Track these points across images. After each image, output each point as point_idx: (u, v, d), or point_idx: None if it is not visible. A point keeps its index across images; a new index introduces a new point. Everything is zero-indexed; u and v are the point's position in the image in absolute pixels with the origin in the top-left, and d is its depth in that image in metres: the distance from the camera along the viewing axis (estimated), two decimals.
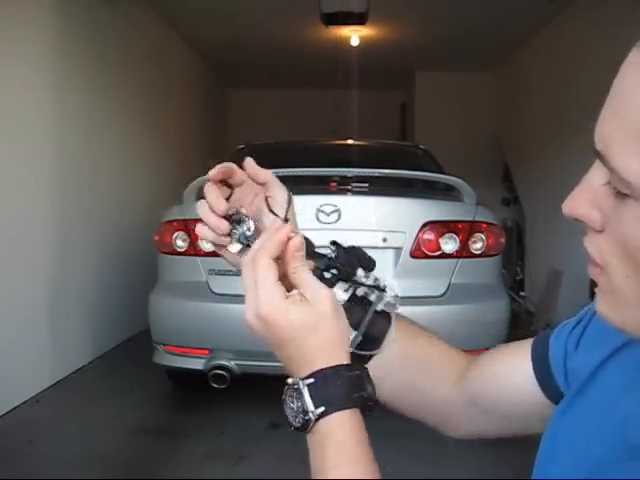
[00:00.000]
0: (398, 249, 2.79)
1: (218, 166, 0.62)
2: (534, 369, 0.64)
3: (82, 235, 3.89)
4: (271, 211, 0.61)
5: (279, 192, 0.63)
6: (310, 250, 0.61)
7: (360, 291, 0.61)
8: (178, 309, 2.85)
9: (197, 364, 2.78)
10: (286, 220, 0.60)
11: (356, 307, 0.61)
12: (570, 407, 0.56)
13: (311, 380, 0.52)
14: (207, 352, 2.78)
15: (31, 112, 3.29)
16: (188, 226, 2.85)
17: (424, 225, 2.80)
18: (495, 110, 7.45)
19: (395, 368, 0.68)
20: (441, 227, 2.83)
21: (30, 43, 3.25)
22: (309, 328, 0.53)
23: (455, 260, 2.83)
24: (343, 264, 0.60)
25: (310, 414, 0.51)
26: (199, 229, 0.62)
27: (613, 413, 0.50)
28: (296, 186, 3.20)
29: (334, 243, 0.62)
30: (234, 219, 0.60)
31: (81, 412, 3.13)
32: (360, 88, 6.50)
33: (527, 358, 0.65)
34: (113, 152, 4.40)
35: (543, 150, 5.73)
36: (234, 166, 0.63)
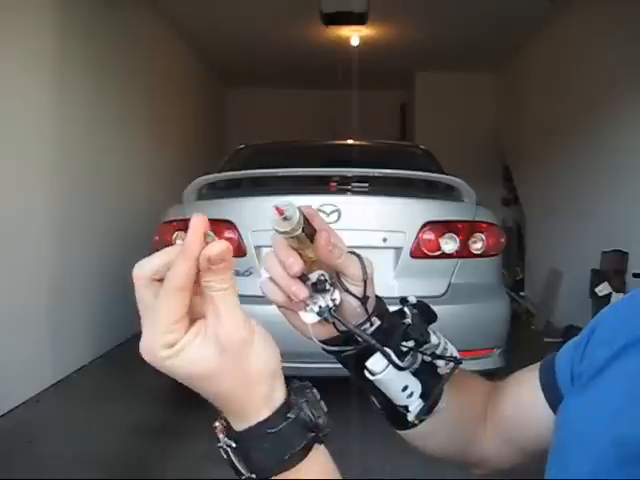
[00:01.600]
0: (398, 249, 2.79)
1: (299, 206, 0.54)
2: (545, 396, 0.63)
3: (82, 235, 3.89)
4: (347, 291, 0.54)
5: (353, 265, 0.54)
6: (382, 309, 0.59)
7: (427, 352, 0.59)
8: None
9: None
10: (366, 298, 0.55)
11: (422, 374, 0.60)
12: (576, 400, 0.56)
13: (233, 444, 0.45)
14: None
15: (31, 113, 3.29)
16: (188, 226, 2.85)
17: (424, 225, 2.80)
18: (495, 110, 7.45)
19: (440, 428, 0.66)
20: (441, 227, 2.83)
21: (31, 45, 3.24)
22: (198, 377, 0.43)
23: (455, 260, 2.83)
24: (421, 333, 0.58)
25: (243, 478, 0.45)
26: (265, 286, 0.53)
27: (613, 419, 0.49)
28: (296, 186, 3.19)
29: (404, 301, 0.60)
30: (318, 288, 0.52)
31: (81, 412, 3.13)
32: (360, 88, 6.50)
33: (537, 387, 0.64)
34: (113, 153, 4.40)
35: (543, 150, 5.73)
36: (313, 210, 0.54)
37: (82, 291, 3.90)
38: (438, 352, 0.60)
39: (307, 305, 0.52)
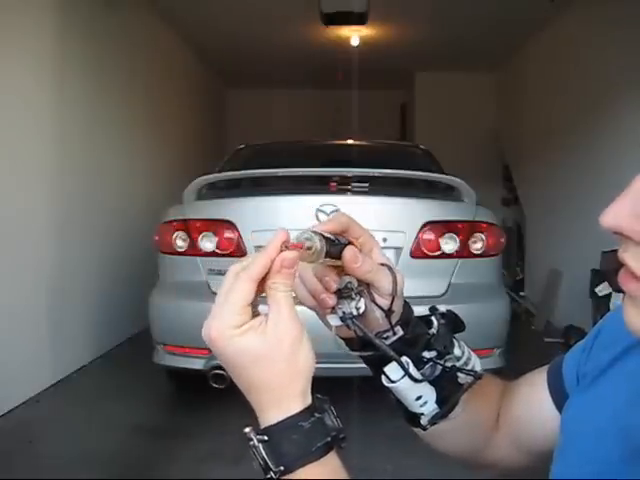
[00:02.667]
0: (398, 249, 2.79)
1: (334, 216, 0.56)
2: (552, 398, 0.64)
3: (82, 235, 3.89)
4: (375, 303, 0.56)
5: (383, 280, 0.56)
6: (408, 318, 0.59)
7: (449, 363, 0.61)
8: (178, 309, 2.84)
9: (197, 364, 2.78)
10: (391, 312, 0.57)
11: (441, 380, 0.61)
12: (580, 400, 0.56)
13: (265, 437, 0.48)
14: (207, 352, 2.77)
15: (32, 113, 3.29)
16: (188, 226, 2.85)
17: (424, 225, 2.80)
18: (495, 110, 7.45)
19: (455, 429, 0.67)
20: (441, 227, 2.83)
21: (31, 45, 3.25)
22: (251, 361, 0.48)
23: (455, 260, 2.83)
24: (444, 344, 0.59)
25: (271, 473, 0.48)
26: (297, 288, 0.57)
27: (616, 419, 0.50)
28: (296, 186, 3.19)
29: (434, 310, 0.61)
30: (343, 294, 0.55)
31: (81, 412, 3.13)
32: (360, 88, 6.50)
33: (545, 388, 0.65)
34: (113, 153, 4.41)
35: (543, 150, 5.73)
36: (348, 218, 0.57)
37: (82, 291, 3.90)
38: (460, 364, 0.62)
39: (333, 308, 0.56)
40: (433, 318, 0.62)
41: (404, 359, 0.58)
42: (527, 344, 4.45)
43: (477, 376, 0.62)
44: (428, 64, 7.05)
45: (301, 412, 0.48)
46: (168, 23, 5.57)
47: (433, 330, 0.60)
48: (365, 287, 0.56)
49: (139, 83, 4.91)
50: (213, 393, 2.84)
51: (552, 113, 5.52)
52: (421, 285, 2.74)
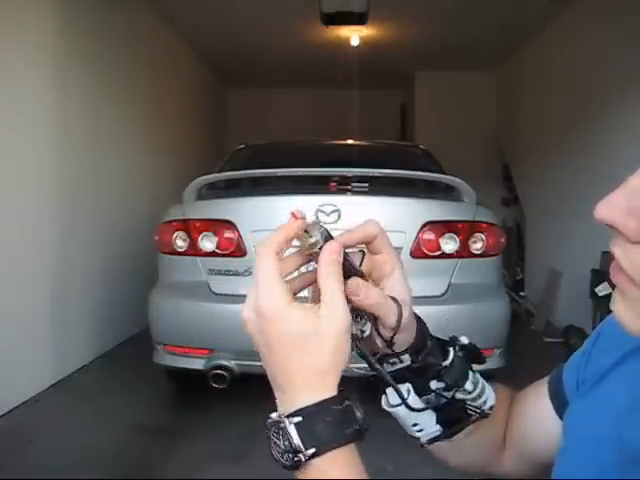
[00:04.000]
0: (398, 249, 2.78)
1: (362, 225, 0.56)
2: (554, 406, 0.64)
3: (83, 235, 3.89)
4: (378, 332, 0.55)
5: (388, 314, 0.55)
6: (421, 344, 0.59)
7: (459, 395, 0.60)
8: (178, 309, 2.84)
9: (197, 364, 2.78)
10: (392, 344, 0.56)
11: (447, 409, 0.61)
12: (581, 404, 0.56)
13: (298, 419, 0.47)
14: (207, 352, 2.78)
15: (32, 112, 3.29)
16: (188, 226, 2.85)
17: (424, 225, 2.80)
18: (495, 110, 7.45)
19: (462, 447, 0.67)
20: (441, 227, 2.83)
21: (32, 43, 3.25)
22: (301, 339, 0.48)
23: (455, 260, 2.83)
24: (455, 378, 0.59)
25: (300, 455, 0.47)
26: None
27: (616, 424, 0.50)
28: (296, 186, 3.18)
29: (454, 340, 0.61)
30: (351, 314, 0.53)
31: (81, 412, 3.13)
32: (360, 88, 6.51)
33: (548, 403, 0.65)
34: (114, 152, 4.41)
35: (543, 150, 5.73)
36: (378, 228, 0.56)
37: (83, 291, 3.90)
38: (470, 397, 0.61)
39: None
40: (450, 349, 0.60)
41: (407, 387, 0.58)
42: (527, 344, 4.45)
43: (483, 415, 0.61)
44: (428, 64, 7.05)
45: (335, 397, 0.48)
46: (169, 23, 5.57)
47: (447, 362, 0.59)
48: (370, 315, 0.55)
49: (140, 83, 4.91)
50: (213, 393, 2.84)
51: (552, 113, 5.52)
52: (421, 285, 2.73)
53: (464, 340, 0.61)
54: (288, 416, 0.48)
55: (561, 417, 0.62)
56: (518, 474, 0.71)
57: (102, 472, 2.44)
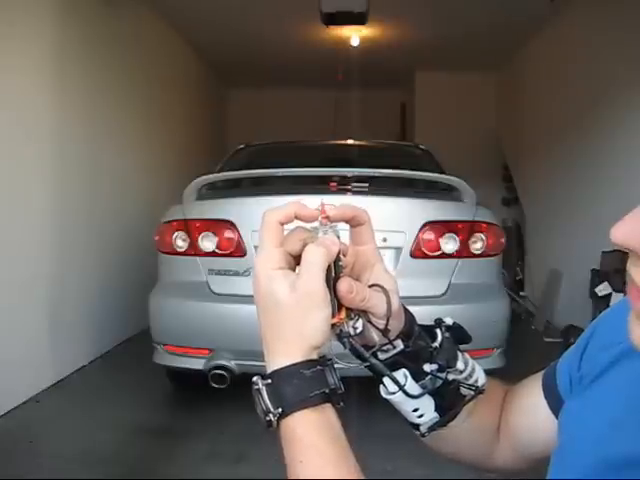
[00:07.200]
0: (398, 249, 2.79)
1: (342, 206, 0.59)
2: (548, 402, 0.64)
3: (82, 235, 3.89)
4: (370, 323, 0.57)
5: (377, 305, 0.56)
6: (410, 331, 0.60)
7: (451, 376, 0.61)
8: (178, 309, 2.84)
9: (197, 364, 2.78)
10: (387, 331, 0.57)
11: (443, 389, 0.62)
12: (578, 401, 0.56)
13: (268, 381, 0.51)
14: (207, 352, 2.78)
15: (31, 113, 3.29)
16: (188, 226, 2.85)
17: (424, 225, 2.80)
18: (495, 110, 7.45)
19: (458, 436, 0.68)
20: (441, 227, 2.83)
21: (30, 44, 3.24)
22: (277, 306, 0.51)
23: (455, 260, 2.83)
24: (447, 358, 0.60)
25: (270, 415, 0.50)
26: None
27: (611, 426, 0.50)
28: (296, 186, 3.18)
29: (439, 322, 0.62)
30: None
31: (81, 412, 3.13)
32: (360, 88, 6.50)
33: (541, 397, 0.65)
34: (113, 152, 4.40)
35: (543, 150, 5.73)
36: (368, 217, 0.60)
37: (82, 291, 3.90)
38: (462, 377, 0.62)
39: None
40: (437, 331, 0.62)
41: (403, 372, 0.59)
42: (527, 344, 4.45)
43: (477, 391, 0.63)
44: (428, 64, 7.05)
45: (305, 361, 0.51)
46: (169, 22, 5.57)
47: (436, 343, 0.61)
48: (361, 311, 0.57)
49: (140, 83, 4.91)
50: (213, 393, 2.84)
51: (552, 113, 5.52)
52: (421, 285, 2.74)
53: (449, 321, 0.64)
54: (263, 378, 0.51)
55: (554, 412, 0.62)
56: (513, 467, 0.72)
57: (102, 472, 2.44)
